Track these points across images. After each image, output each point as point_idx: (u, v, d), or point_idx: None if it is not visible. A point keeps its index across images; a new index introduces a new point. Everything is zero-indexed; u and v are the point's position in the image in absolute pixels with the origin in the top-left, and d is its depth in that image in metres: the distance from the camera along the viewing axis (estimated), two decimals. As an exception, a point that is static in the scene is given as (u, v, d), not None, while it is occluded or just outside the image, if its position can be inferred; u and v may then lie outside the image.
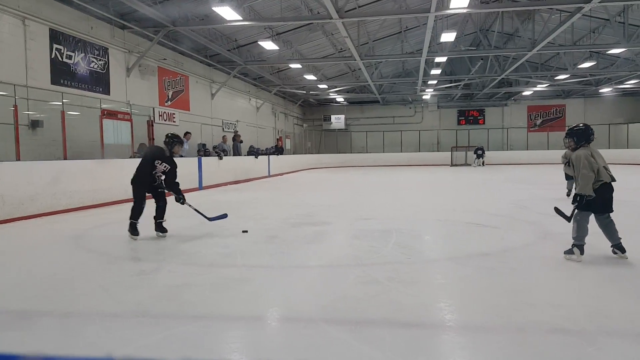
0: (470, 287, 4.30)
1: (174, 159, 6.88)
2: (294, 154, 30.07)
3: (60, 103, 11.38)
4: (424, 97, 31.60)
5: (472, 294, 4.10)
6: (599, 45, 18.79)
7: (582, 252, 4.90)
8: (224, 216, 7.24)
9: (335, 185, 17.26)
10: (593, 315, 3.48)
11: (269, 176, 21.64)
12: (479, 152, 29.23)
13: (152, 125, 14.82)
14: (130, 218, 6.57)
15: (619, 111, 31.84)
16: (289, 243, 6.25)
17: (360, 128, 34.81)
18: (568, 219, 4.99)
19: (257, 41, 16.90)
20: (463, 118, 34.04)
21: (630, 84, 26.53)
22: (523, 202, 10.36)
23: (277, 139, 27.23)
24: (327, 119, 34.56)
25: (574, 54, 22.56)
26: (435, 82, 26.90)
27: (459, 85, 28.51)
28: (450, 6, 12.06)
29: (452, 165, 30.50)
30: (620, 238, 4.95)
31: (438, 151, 32.86)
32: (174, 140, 6.81)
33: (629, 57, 22.16)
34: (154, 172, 6.62)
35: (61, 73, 11.75)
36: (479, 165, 29.01)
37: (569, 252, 4.98)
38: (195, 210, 6.95)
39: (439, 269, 4.99)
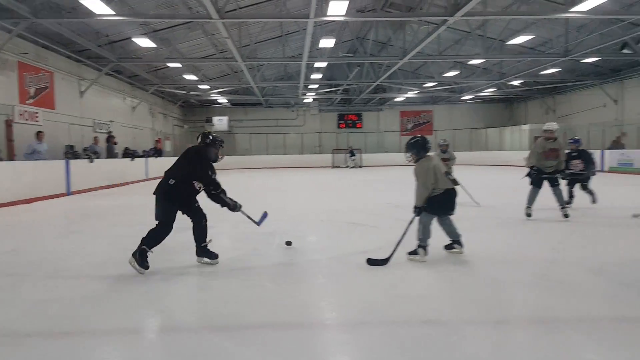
0: (349, 285, 4.47)
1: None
2: (174, 156, 28.99)
3: None
4: (305, 100, 32.23)
5: (351, 292, 4.27)
6: (461, 56, 20.53)
7: (426, 253, 5.30)
8: (265, 215, 5.99)
9: (218, 188, 16.92)
10: (456, 306, 3.80)
11: (147, 179, 20.64)
12: (348, 154, 30.82)
13: (11, 126, 13.44)
14: (144, 244, 4.83)
15: (479, 117, 35.09)
16: (168, 249, 6.01)
17: (243, 130, 34.55)
18: (384, 261, 5.11)
19: (131, 37, 16.05)
20: (343, 122, 35.27)
21: (488, 92, 29.35)
22: (398, 201, 10.99)
23: (156, 141, 26.08)
24: (209, 121, 33.79)
25: (440, 63, 24.42)
26: (316, 86, 27.53)
27: (338, 90, 29.49)
28: (328, 13, 12.44)
29: (333, 167, 31.44)
30: (460, 235, 5.47)
31: (320, 153, 33.70)
32: (219, 142, 5.28)
33: (487, 67, 24.51)
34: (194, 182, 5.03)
35: None
36: (353, 166, 30.35)
37: (413, 253, 5.32)
38: (248, 216, 5.81)
39: (320, 268, 5.12)
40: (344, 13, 12.44)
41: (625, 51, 17.48)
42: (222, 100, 31.55)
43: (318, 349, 3.09)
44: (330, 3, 11.77)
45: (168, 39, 17.90)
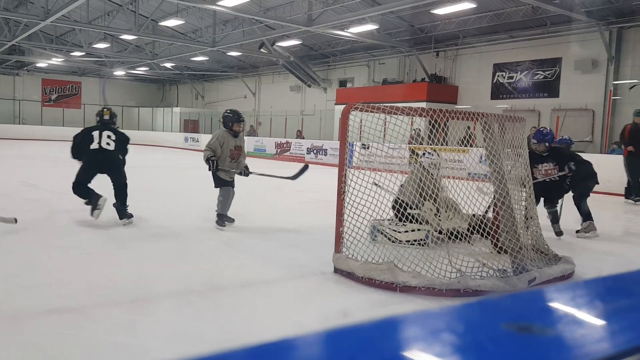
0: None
1: None
2: None
3: None
4: None
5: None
6: (112, 29, 19.58)
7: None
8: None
9: None
10: (90, 289, 3.63)
11: None
12: None
13: None
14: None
15: (131, 95, 34.20)
16: None
17: None
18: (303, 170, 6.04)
19: None
20: (-36, 83, 29.06)
21: (141, 70, 28.91)
22: (33, 180, 9.78)
23: None
24: None
25: (89, 32, 22.67)
26: None
27: (-43, 43, 24.13)
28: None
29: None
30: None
31: None
32: None
33: (140, 46, 24.08)
34: None
35: None
36: None
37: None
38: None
39: None
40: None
41: (262, 50, 19.92)
42: None
43: None
44: None
45: None
